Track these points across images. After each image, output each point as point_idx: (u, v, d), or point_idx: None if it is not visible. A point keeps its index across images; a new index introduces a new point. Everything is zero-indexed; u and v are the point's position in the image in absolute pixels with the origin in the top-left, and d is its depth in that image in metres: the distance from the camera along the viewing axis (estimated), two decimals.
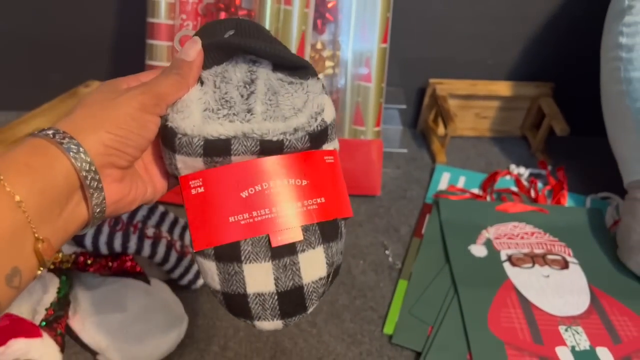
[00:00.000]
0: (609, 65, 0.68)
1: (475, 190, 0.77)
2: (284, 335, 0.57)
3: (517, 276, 0.63)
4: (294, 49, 0.65)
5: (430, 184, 0.78)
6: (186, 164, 0.35)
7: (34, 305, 0.53)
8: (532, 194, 0.76)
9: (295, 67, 0.37)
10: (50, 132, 0.31)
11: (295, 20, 0.65)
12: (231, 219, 0.35)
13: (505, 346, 0.55)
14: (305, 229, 0.36)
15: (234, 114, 0.36)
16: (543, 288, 0.62)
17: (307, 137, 0.36)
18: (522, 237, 0.68)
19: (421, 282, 0.63)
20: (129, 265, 0.56)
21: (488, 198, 0.76)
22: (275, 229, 0.35)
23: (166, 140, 0.35)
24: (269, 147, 0.35)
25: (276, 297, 0.35)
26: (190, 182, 0.36)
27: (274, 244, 0.35)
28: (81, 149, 0.31)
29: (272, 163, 0.36)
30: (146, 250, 0.56)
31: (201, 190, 0.36)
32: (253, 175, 0.36)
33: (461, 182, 0.79)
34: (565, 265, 0.65)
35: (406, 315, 0.59)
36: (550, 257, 0.66)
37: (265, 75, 0.37)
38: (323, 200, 0.37)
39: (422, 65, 0.85)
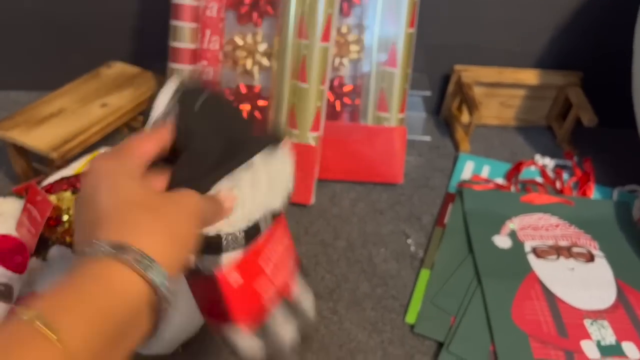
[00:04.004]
0: None
1: (500, 181, 0.76)
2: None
3: (542, 268, 0.62)
4: (319, 33, 0.64)
5: (453, 172, 0.77)
6: (229, 260, 0.36)
7: None
8: (558, 185, 0.75)
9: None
10: (129, 256, 0.26)
11: (321, 3, 0.63)
12: (265, 297, 0.38)
13: (529, 338, 0.54)
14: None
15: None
16: (568, 281, 0.61)
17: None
18: (547, 229, 0.67)
19: (444, 271, 0.62)
20: None
21: (512, 188, 0.74)
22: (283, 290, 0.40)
23: (207, 248, 0.35)
24: (276, 217, 0.39)
25: None
26: (230, 276, 0.37)
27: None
28: (164, 273, 0.27)
29: (271, 234, 0.39)
30: None
31: (241, 281, 0.37)
32: (266, 247, 0.38)
33: (485, 172, 0.77)
34: (590, 258, 0.64)
35: (428, 304, 0.58)
36: (575, 249, 0.65)
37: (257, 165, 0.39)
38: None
39: (448, 51, 0.84)
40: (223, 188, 0.38)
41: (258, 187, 0.38)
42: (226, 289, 0.37)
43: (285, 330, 0.39)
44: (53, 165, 0.62)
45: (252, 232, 0.37)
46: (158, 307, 0.28)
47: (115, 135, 0.76)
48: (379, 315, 0.58)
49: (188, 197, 0.31)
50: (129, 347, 0.28)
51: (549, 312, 0.57)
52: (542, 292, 0.59)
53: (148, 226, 0.28)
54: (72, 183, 0.60)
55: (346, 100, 0.73)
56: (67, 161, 0.64)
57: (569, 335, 0.55)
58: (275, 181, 0.39)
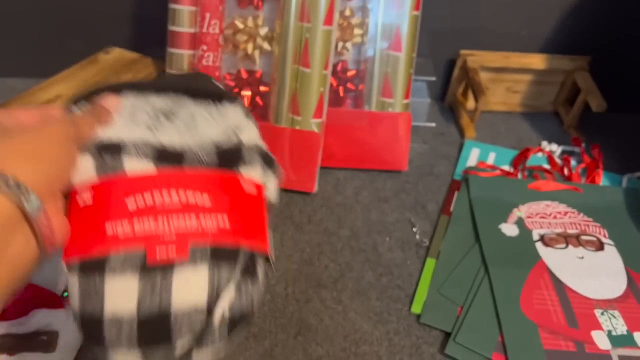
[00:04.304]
0: None
1: (506, 167, 0.74)
2: (309, 312, 0.55)
3: (550, 257, 0.61)
4: (322, 16, 0.62)
5: (458, 159, 0.76)
6: (134, 167, 0.33)
7: (55, 275, 0.52)
8: (566, 172, 0.73)
9: (214, 96, 0.36)
10: None
11: None
12: (109, 230, 0.31)
13: (538, 329, 0.53)
14: (194, 250, 0.31)
15: (138, 127, 0.34)
16: (577, 270, 0.59)
17: (214, 151, 0.34)
18: (554, 217, 0.66)
19: (450, 260, 0.61)
20: None
21: (519, 175, 0.73)
22: (155, 244, 0.31)
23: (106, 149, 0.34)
24: (168, 156, 0.33)
25: (136, 324, 0.30)
26: (79, 194, 0.33)
27: (150, 260, 0.31)
28: (21, 185, 0.29)
29: (169, 175, 0.32)
30: None
31: (89, 202, 0.32)
32: (145, 185, 0.32)
33: (491, 159, 0.76)
34: (600, 246, 0.62)
35: (435, 294, 0.57)
36: (584, 237, 0.63)
37: (184, 104, 0.36)
38: (227, 224, 0.32)
39: (453, 35, 0.82)
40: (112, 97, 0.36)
41: (173, 125, 0.34)
42: (71, 205, 0.32)
43: (113, 287, 0.30)
44: None
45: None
46: (29, 221, 0.30)
47: None
48: (384, 305, 0.57)
49: (54, 122, 0.34)
50: (11, 265, 0.29)
51: (559, 302, 0.56)
52: (551, 281, 0.58)
53: (11, 152, 0.31)
54: None
55: (350, 85, 0.71)
56: None
57: (579, 326, 0.54)
58: (201, 126, 0.35)
